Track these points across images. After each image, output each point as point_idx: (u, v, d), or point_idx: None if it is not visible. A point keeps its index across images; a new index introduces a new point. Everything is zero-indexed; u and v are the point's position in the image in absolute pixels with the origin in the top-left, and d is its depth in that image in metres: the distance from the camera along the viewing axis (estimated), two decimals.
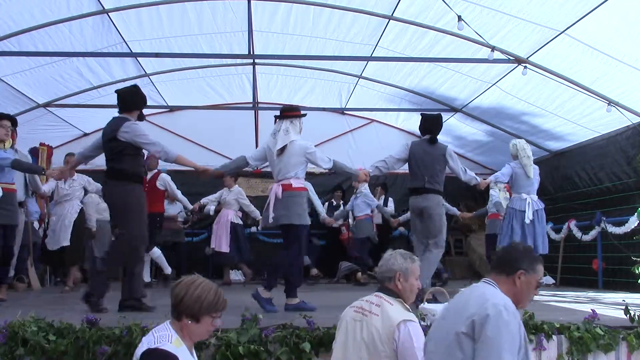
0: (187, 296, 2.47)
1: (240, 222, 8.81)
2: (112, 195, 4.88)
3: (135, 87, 5.20)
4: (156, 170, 7.94)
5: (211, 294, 2.50)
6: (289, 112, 5.31)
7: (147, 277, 7.66)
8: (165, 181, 7.95)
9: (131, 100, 5.01)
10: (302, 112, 5.37)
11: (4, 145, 5.55)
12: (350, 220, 9.93)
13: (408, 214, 7.76)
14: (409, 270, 2.98)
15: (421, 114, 6.10)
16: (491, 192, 8.73)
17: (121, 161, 4.79)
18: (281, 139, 5.12)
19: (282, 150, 5.11)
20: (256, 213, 8.60)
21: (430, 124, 5.85)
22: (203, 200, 8.80)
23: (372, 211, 9.60)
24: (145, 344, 2.46)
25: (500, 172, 6.51)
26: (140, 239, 4.87)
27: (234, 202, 8.66)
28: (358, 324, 2.84)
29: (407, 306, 2.95)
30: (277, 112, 5.37)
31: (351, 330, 2.85)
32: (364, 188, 9.12)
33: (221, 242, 8.54)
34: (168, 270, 8.16)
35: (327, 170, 5.54)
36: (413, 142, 5.95)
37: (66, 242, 7.22)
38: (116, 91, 5.14)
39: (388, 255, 3.04)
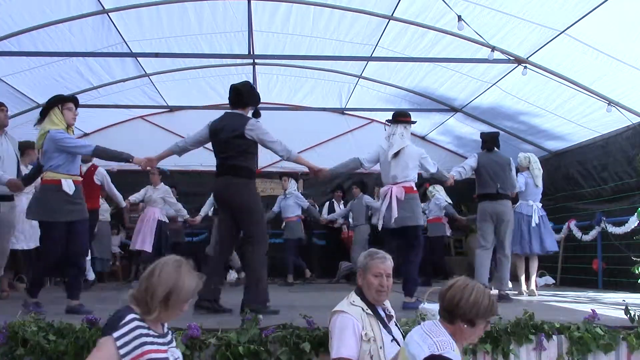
0: (463, 300, 2.46)
1: (167, 221, 8.53)
2: (239, 193, 4.75)
3: (250, 84, 5.27)
4: (91, 163, 7.30)
5: (485, 298, 2.49)
6: (402, 118, 5.57)
7: (90, 276, 7.43)
8: (102, 175, 7.44)
9: (249, 96, 5.05)
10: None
11: (72, 131, 5.05)
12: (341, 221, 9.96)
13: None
14: (367, 267, 3.08)
15: (480, 134, 6.79)
16: (437, 196, 9.20)
17: (246, 159, 4.81)
18: (397, 142, 5.39)
19: (397, 153, 5.37)
20: (183, 212, 8.53)
21: (492, 140, 6.52)
22: (131, 198, 8.38)
23: (371, 213, 9.69)
24: (424, 347, 2.43)
25: (518, 183, 6.77)
26: (266, 238, 4.90)
27: (160, 200, 8.32)
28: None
29: (359, 301, 3.02)
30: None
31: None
32: (294, 189, 9.24)
33: (145, 240, 8.12)
34: (91, 277, 7.72)
35: (429, 175, 5.86)
36: (479, 153, 6.47)
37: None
38: (233, 85, 5.14)
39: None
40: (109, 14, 6.91)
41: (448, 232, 9.60)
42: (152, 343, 2.26)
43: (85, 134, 10.53)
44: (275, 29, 7.85)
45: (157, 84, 9.41)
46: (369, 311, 2.98)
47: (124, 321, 2.23)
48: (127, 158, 4.84)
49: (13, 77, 7.68)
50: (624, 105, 6.94)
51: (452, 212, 9.35)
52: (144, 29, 7.49)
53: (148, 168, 5.19)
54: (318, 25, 7.63)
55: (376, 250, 3.17)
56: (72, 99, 5.07)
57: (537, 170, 7.13)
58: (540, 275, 8.81)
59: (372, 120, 10.93)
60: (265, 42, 8.23)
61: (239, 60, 8.76)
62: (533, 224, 6.90)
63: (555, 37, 6.35)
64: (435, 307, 3.71)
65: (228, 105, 5.15)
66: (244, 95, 5.01)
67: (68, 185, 4.74)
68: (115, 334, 2.19)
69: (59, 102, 4.89)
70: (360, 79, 9.26)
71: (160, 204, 8.35)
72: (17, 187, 5.20)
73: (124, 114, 10.21)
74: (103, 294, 7.08)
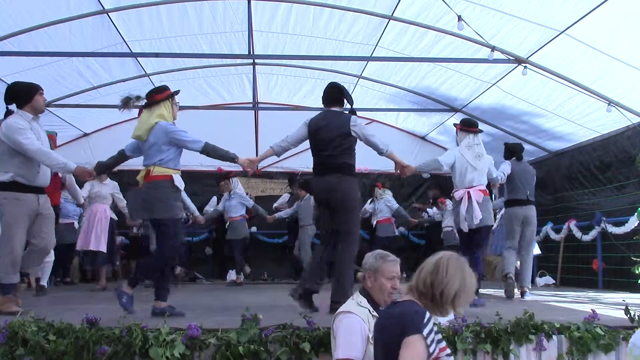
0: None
1: (116, 218, 8.29)
2: (348, 190, 4.74)
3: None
4: None
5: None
6: (477, 129, 5.98)
7: (44, 280, 6.85)
8: None
9: (348, 94, 5.16)
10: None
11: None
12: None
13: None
14: (378, 269, 3.03)
15: (506, 144, 7.22)
16: (387, 197, 9.49)
17: (351, 156, 4.86)
18: (482, 150, 5.87)
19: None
20: (126, 210, 8.38)
21: (520, 150, 7.07)
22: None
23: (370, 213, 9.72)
24: None
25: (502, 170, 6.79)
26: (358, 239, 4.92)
27: (109, 197, 7.99)
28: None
29: (366, 302, 3.00)
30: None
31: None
32: (239, 189, 9.16)
33: (99, 240, 7.57)
34: (44, 281, 7.10)
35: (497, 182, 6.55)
36: (511, 162, 6.92)
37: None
38: (333, 83, 5.28)
39: (366, 256, 3.12)
40: (109, 14, 6.91)
41: (397, 232, 9.79)
42: (440, 340, 2.33)
43: (85, 134, 10.54)
44: (275, 29, 7.85)
45: (157, 84, 9.38)
46: (375, 313, 2.96)
47: (425, 319, 2.25)
48: (233, 157, 4.68)
49: (13, 77, 7.64)
50: (624, 105, 6.94)
51: (404, 214, 9.74)
52: (144, 29, 7.49)
53: (249, 169, 5.05)
54: (318, 25, 7.63)
55: (386, 252, 3.13)
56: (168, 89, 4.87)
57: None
58: (540, 275, 8.81)
59: (372, 120, 10.92)
60: (265, 42, 8.23)
61: (239, 60, 8.76)
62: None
63: (555, 37, 6.35)
64: None
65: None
66: (344, 94, 5.10)
67: (179, 181, 4.57)
68: (424, 332, 2.22)
69: (171, 95, 4.77)
70: (360, 79, 9.26)
71: (109, 200, 7.99)
72: (89, 175, 4.84)
73: (124, 114, 10.14)
74: (103, 294, 7.08)
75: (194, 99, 9.94)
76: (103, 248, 7.65)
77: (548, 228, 8.97)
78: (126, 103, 4.91)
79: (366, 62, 8.45)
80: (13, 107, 4.79)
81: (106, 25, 7.14)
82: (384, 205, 9.53)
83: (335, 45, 8.08)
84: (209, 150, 4.60)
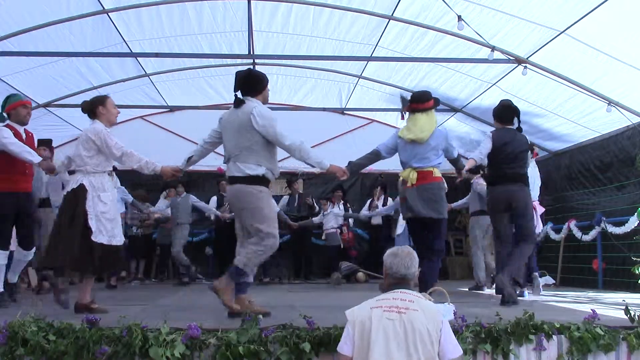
0: None
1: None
2: (526, 197, 5.48)
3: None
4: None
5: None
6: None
7: (13, 278, 6.55)
8: None
9: (519, 115, 5.62)
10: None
11: None
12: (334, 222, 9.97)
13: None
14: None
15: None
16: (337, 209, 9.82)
17: (524, 167, 5.59)
18: None
19: None
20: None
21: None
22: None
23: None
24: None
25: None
26: None
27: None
28: (396, 322, 2.72)
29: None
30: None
31: (391, 330, 2.71)
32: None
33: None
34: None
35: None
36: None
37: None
38: (506, 103, 5.65)
39: (406, 254, 2.97)
40: (109, 14, 6.91)
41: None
42: None
43: None
44: (275, 29, 7.85)
45: (157, 84, 9.41)
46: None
47: None
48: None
49: (13, 77, 7.68)
50: (624, 105, 6.94)
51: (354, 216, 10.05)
52: (144, 29, 7.49)
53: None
54: (318, 25, 7.63)
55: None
56: None
57: None
58: (540, 275, 8.81)
59: (372, 121, 10.93)
60: (265, 42, 8.24)
61: (239, 60, 8.76)
62: None
63: (555, 37, 6.35)
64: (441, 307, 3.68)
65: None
66: (517, 115, 5.57)
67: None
68: None
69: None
70: (360, 79, 9.27)
71: None
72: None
73: (124, 114, 10.16)
74: (103, 293, 7.08)
75: (194, 99, 9.95)
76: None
77: (548, 228, 8.96)
78: (404, 102, 5.37)
79: (366, 62, 8.46)
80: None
81: (106, 25, 7.15)
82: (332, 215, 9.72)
83: (335, 45, 8.09)
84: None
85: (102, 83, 8.71)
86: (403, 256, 2.97)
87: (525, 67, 6.94)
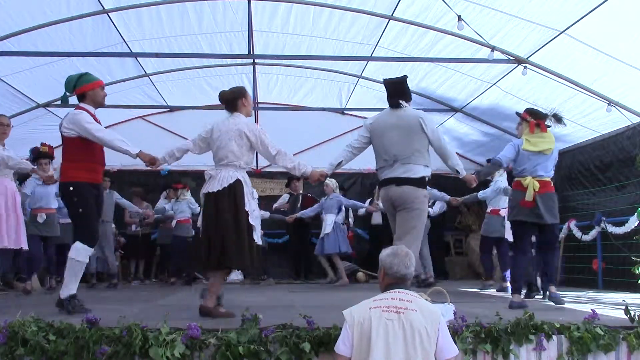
0: None
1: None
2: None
3: None
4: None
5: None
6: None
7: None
8: None
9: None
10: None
11: None
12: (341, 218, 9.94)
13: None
14: None
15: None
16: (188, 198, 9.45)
17: None
18: None
19: None
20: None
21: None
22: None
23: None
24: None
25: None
26: None
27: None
28: (395, 322, 2.71)
29: None
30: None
31: (391, 330, 2.71)
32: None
33: (20, 236, 5.53)
34: None
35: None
36: None
37: None
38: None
39: (405, 254, 2.98)
40: (109, 14, 6.91)
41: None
42: None
43: None
44: (275, 29, 7.85)
45: (157, 84, 9.41)
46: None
47: None
48: None
49: (13, 77, 7.68)
50: (624, 105, 6.94)
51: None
52: (144, 29, 7.49)
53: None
54: (318, 25, 7.63)
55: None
56: None
57: None
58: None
59: None
60: (265, 42, 8.24)
61: (239, 60, 8.77)
62: None
63: (555, 37, 6.35)
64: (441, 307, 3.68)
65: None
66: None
67: None
68: None
69: None
70: (360, 79, 9.27)
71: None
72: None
73: (124, 114, 10.20)
74: (103, 293, 7.09)
75: (194, 99, 9.94)
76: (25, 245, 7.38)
77: None
78: (559, 120, 5.51)
79: (366, 62, 8.46)
80: None
81: (106, 25, 7.15)
82: (185, 205, 9.48)
83: (335, 45, 8.08)
84: None
85: None
86: (403, 256, 2.96)
87: (525, 67, 6.94)
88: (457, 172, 4.85)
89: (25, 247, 5.48)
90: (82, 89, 4.68)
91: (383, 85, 5.05)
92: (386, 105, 5.01)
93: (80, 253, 4.41)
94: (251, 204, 4.35)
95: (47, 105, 8.79)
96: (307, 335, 3.32)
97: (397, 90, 4.88)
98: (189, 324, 3.31)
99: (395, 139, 4.66)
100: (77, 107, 4.66)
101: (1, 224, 5.25)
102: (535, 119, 5.40)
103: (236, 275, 9.48)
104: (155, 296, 6.59)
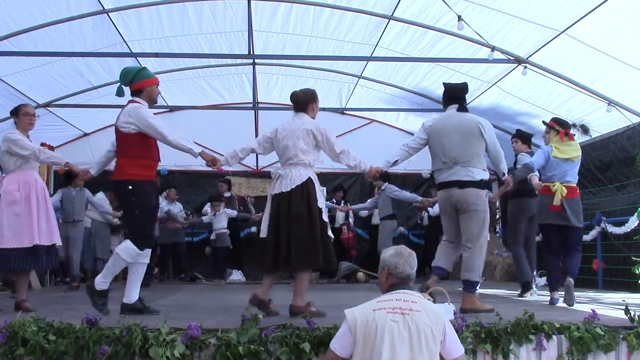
0: None
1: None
2: None
3: None
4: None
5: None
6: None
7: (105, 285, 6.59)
8: None
9: None
10: None
11: None
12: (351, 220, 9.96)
13: None
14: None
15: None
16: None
17: None
18: None
19: None
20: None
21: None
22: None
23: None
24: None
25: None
26: None
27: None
28: (400, 324, 2.68)
29: None
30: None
31: (397, 332, 2.67)
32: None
33: (53, 232, 5.06)
34: None
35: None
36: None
37: None
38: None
39: (408, 254, 2.97)
40: (109, 14, 6.91)
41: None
42: None
43: (85, 134, 10.54)
44: (275, 29, 7.85)
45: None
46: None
47: None
48: None
49: (13, 77, 7.68)
50: (624, 105, 6.94)
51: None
52: (144, 29, 7.49)
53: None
54: (318, 25, 7.63)
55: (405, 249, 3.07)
56: None
57: None
58: (540, 275, 8.80)
59: (372, 120, 10.93)
60: (265, 42, 8.24)
61: (239, 60, 8.76)
62: None
63: (555, 37, 6.35)
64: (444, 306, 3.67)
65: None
66: None
67: None
68: None
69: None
70: (360, 79, 9.26)
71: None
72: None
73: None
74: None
75: (194, 99, 9.94)
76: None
77: None
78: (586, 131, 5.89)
79: (366, 62, 8.46)
80: None
81: (106, 25, 7.14)
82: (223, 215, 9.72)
83: (335, 45, 8.09)
84: None
85: (102, 83, 8.71)
86: (407, 256, 2.95)
87: (525, 67, 6.94)
88: (504, 174, 4.99)
89: (59, 242, 5.02)
90: (141, 84, 4.49)
91: (443, 87, 5.29)
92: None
93: (127, 252, 4.27)
94: (322, 201, 4.43)
95: (47, 105, 8.79)
96: (307, 336, 3.33)
97: (458, 95, 5.12)
98: (189, 324, 3.31)
99: (455, 142, 4.75)
100: (132, 101, 4.46)
101: (32, 220, 4.77)
102: (563, 128, 5.60)
103: (237, 276, 9.50)
104: (155, 296, 6.58)
